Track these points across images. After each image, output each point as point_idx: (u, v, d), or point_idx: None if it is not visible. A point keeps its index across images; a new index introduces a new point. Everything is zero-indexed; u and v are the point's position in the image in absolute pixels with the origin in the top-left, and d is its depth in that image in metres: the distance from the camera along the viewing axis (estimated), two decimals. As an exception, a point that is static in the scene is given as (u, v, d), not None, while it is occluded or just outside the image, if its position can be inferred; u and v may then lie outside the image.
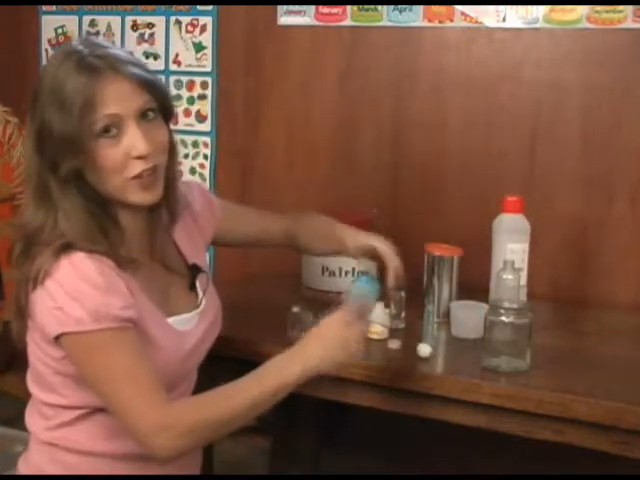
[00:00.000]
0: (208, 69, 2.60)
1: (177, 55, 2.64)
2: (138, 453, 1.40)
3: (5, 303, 2.76)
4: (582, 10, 2.15)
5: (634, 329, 2.02)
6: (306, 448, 2.44)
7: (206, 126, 2.63)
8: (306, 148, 2.50)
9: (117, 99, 1.35)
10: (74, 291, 1.32)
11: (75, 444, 1.43)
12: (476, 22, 2.26)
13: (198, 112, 2.63)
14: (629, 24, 2.11)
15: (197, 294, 1.56)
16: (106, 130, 1.35)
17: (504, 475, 2.24)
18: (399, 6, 2.32)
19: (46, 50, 2.80)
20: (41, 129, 1.36)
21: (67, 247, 1.34)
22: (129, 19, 2.69)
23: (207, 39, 2.59)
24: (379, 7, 2.35)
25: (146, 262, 1.46)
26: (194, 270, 1.56)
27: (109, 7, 2.71)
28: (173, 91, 2.62)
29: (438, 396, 1.63)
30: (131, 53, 1.46)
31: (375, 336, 1.79)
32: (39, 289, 1.35)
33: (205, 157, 2.64)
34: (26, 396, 1.53)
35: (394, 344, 1.76)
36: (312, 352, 1.43)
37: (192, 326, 1.51)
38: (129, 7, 2.68)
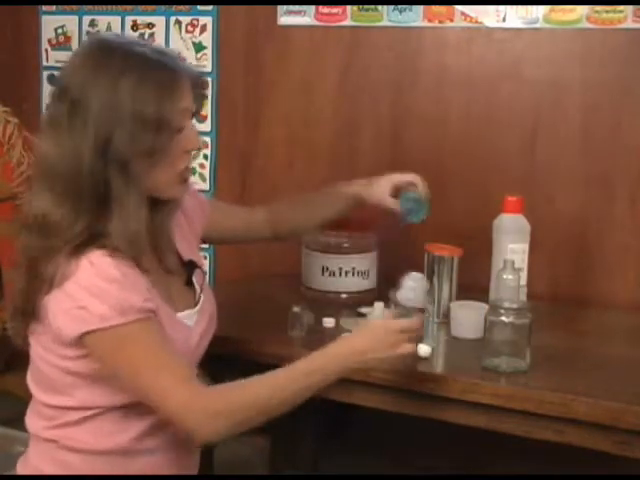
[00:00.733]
0: (208, 69, 2.60)
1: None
2: (140, 448, 1.42)
3: (5, 303, 2.76)
4: (582, 10, 2.15)
5: (634, 329, 2.02)
6: (306, 448, 2.44)
7: (206, 126, 2.62)
8: (306, 148, 2.50)
9: (187, 95, 1.42)
10: (95, 289, 1.32)
11: (79, 443, 1.43)
12: (476, 22, 2.26)
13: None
14: (629, 24, 2.11)
15: (194, 290, 1.56)
16: (179, 124, 1.40)
17: (504, 475, 2.24)
18: (399, 6, 2.32)
19: (46, 50, 2.80)
20: (108, 124, 1.33)
21: (85, 245, 1.34)
22: (129, 19, 2.69)
23: (207, 39, 2.59)
24: (379, 7, 2.35)
25: (152, 260, 1.47)
26: (190, 267, 1.57)
27: (109, 7, 2.71)
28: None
29: (438, 396, 1.63)
30: None
31: (375, 336, 1.79)
32: (55, 291, 1.34)
33: (205, 157, 2.64)
34: (27, 396, 1.53)
35: (394, 344, 1.75)
36: (361, 345, 1.48)
37: (194, 322, 1.52)
38: (129, 7, 2.68)
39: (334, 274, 2.10)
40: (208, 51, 2.59)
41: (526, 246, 1.94)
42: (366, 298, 2.03)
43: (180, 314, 1.49)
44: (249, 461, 2.53)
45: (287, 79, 2.50)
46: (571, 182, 2.22)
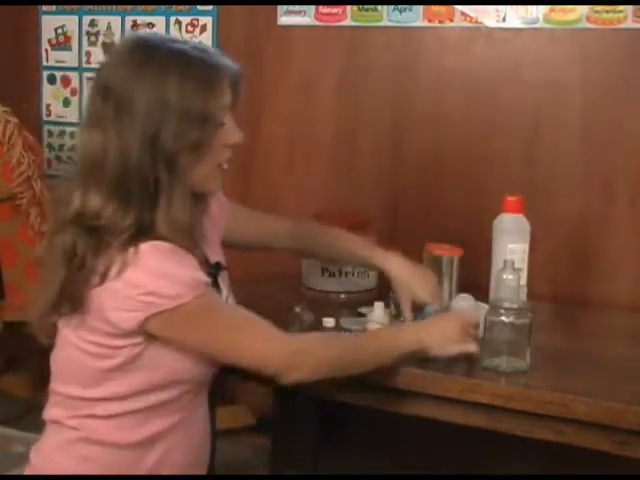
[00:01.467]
0: (208, 69, 2.60)
1: (177, 55, 2.64)
2: (158, 441, 1.45)
3: (6, 303, 2.76)
4: (582, 10, 2.15)
5: (634, 329, 2.03)
6: (306, 448, 2.44)
7: (206, 126, 2.62)
8: (306, 148, 2.50)
9: (228, 91, 1.46)
10: (160, 272, 1.36)
11: (100, 435, 1.44)
12: (476, 22, 2.26)
13: (198, 112, 2.63)
14: (629, 24, 2.11)
15: (220, 292, 1.57)
16: (222, 119, 1.43)
17: (504, 475, 2.24)
18: (399, 6, 2.32)
19: (46, 50, 2.80)
20: (155, 122, 1.36)
21: (136, 238, 1.36)
22: (129, 19, 2.70)
23: (207, 39, 2.59)
24: (379, 7, 2.35)
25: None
26: (216, 268, 1.59)
27: (109, 7, 2.71)
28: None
29: (438, 396, 1.63)
30: None
31: (375, 336, 1.79)
32: (112, 283, 1.36)
33: (205, 157, 2.64)
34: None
35: (394, 344, 1.75)
36: (430, 330, 1.60)
37: None
38: (129, 7, 2.68)
39: (334, 274, 2.10)
40: (208, 51, 2.59)
41: (526, 246, 1.93)
42: (366, 298, 2.02)
43: None
44: (249, 461, 2.53)
45: (287, 79, 2.50)
46: (571, 182, 2.22)
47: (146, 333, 1.39)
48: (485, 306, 1.71)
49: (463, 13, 2.27)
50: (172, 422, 1.47)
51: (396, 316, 1.88)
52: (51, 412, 1.50)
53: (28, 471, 1.50)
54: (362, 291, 2.11)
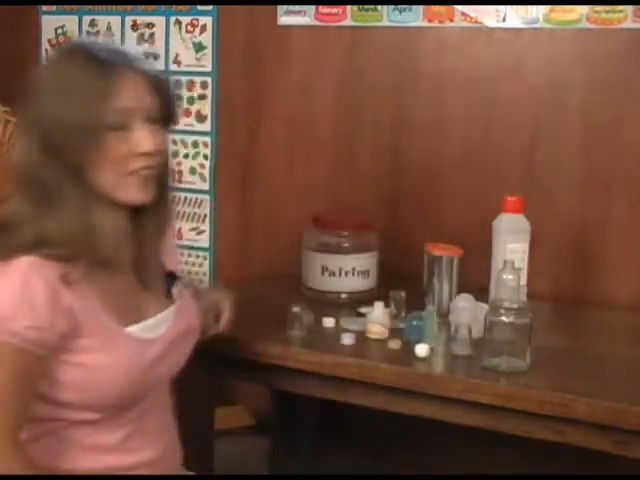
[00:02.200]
0: (208, 69, 2.60)
1: (177, 55, 2.64)
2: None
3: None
4: (582, 10, 2.15)
5: (634, 329, 2.03)
6: (306, 448, 2.44)
7: (206, 126, 2.63)
8: (306, 148, 2.50)
9: (131, 94, 1.37)
10: None
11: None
12: (476, 22, 2.26)
13: (198, 112, 2.63)
14: (629, 24, 2.11)
15: (171, 301, 1.52)
16: (116, 123, 1.35)
17: (504, 475, 2.24)
18: (399, 6, 2.32)
19: (46, 50, 2.80)
20: (47, 123, 1.34)
21: (23, 250, 1.31)
22: (129, 19, 2.69)
23: (207, 39, 2.59)
24: (379, 7, 2.35)
25: (117, 267, 1.42)
26: (171, 277, 1.54)
27: (109, 7, 2.71)
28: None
29: (438, 396, 1.63)
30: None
31: (375, 336, 1.80)
32: None
33: (205, 157, 2.64)
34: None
35: (394, 344, 1.76)
36: None
37: (159, 334, 1.47)
38: (129, 7, 2.68)
39: (334, 274, 2.10)
40: (208, 51, 2.59)
41: (526, 246, 1.94)
42: (366, 298, 2.03)
43: (137, 325, 1.43)
44: (249, 461, 2.53)
45: (287, 79, 2.50)
46: (571, 182, 2.22)
47: None
48: (485, 306, 1.71)
49: (463, 13, 2.27)
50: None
51: (396, 316, 1.89)
52: None
53: None
54: (362, 291, 2.11)
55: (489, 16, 2.24)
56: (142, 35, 2.68)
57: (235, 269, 2.61)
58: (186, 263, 2.69)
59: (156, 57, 2.66)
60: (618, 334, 1.97)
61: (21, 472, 1.30)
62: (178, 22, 2.62)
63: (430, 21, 2.30)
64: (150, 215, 1.47)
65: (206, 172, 2.64)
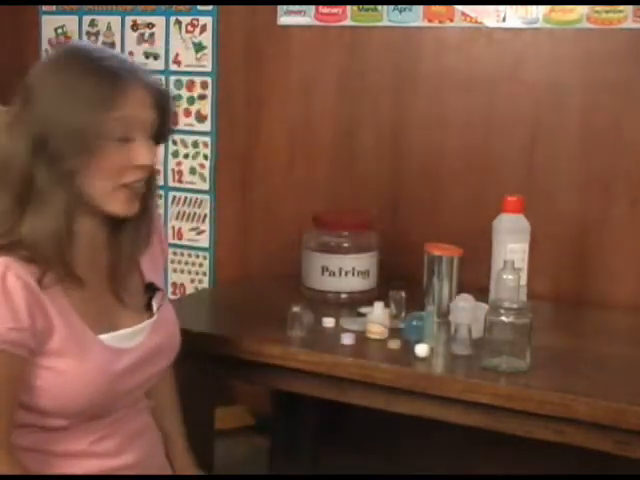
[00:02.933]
0: (208, 69, 2.60)
1: (177, 55, 2.64)
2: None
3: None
4: (582, 10, 2.15)
5: (634, 329, 2.03)
6: (306, 448, 2.44)
7: (206, 126, 2.63)
8: (306, 148, 2.50)
9: (136, 106, 1.36)
10: None
11: None
12: (476, 22, 2.26)
13: (198, 112, 2.63)
14: (629, 24, 2.11)
15: (152, 313, 1.51)
16: (117, 134, 1.34)
17: (504, 475, 2.24)
18: (399, 6, 2.32)
19: (46, 50, 2.80)
20: (45, 125, 1.32)
21: (5, 250, 1.30)
22: (129, 19, 2.69)
23: (207, 39, 2.59)
24: (379, 7, 2.35)
25: (92, 276, 1.41)
26: (150, 289, 1.52)
27: (109, 7, 2.71)
28: (173, 91, 2.62)
29: (438, 396, 1.63)
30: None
31: (375, 336, 1.80)
32: None
33: (205, 157, 2.64)
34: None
35: (394, 344, 1.76)
36: None
37: (134, 344, 1.45)
38: (129, 7, 2.68)
39: (334, 274, 2.10)
40: (208, 51, 2.59)
41: (526, 246, 1.94)
42: (366, 298, 2.03)
43: (111, 334, 1.41)
44: (249, 461, 2.53)
45: (287, 79, 2.50)
46: (571, 182, 2.22)
47: None
48: (485, 306, 1.71)
49: (463, 13, 2.27)
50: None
51: (396, 316, 1.89)
52: None
53: None
54: (362, 291, 2.11)
55: (489, 16, 2.24)
56: (142, 35, 2.68)
57: (235, 269, 2.61)
58: (186, 263, 2.70)
59: (156, 57, 2.66)
60: (618, 334, 1.97)
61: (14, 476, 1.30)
62: (178, 22, 2.62)
63: (430, 21, 2.30)
64: (130, 228, 1.46)
65: (206, 172, 2.64)
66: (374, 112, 2.40)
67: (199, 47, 2.60)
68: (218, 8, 2.56)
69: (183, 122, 2.63)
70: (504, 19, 2.23)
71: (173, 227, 2.70)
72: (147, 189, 1.44)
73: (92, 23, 2.75)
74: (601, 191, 2.19)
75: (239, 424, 2.56)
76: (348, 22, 2.39)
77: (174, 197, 2.69)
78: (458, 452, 2.33)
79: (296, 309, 1.81)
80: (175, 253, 2.69)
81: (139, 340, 1.46)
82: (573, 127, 2.20)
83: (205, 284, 2.67)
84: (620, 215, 2.17)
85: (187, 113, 2.63)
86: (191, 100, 2.63)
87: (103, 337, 1.40)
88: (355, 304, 2.02)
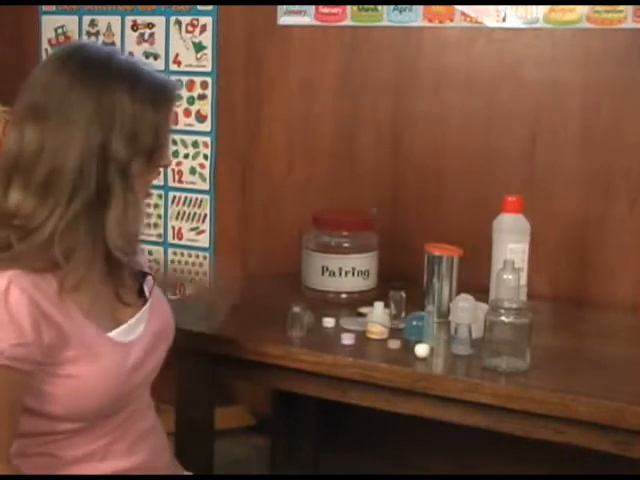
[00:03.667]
0: (208, 69, 2.60)
1: (177, 55, 2.64)
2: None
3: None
4: (582, 10, 2.15)
5: (634, 329, 2.03)
6: (306, 448, 2.44)
7: (206, 126, 2.62)
8: (306, 148, 2.50)
9: (171, 107, 1.44)
10: None
11: None
12: (476, 22, 2.26)
13: (198, 112, 2.63)
14: (629, 24, 2.11)
15: (145, 300, 1.51)
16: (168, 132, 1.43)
17: (504, 475, 2.24)
18: (399, 6, 2.32)
19: (46, 50, 2.80)
20: (133, 124, 1.34)
21: (11, 262, 1.29)
22: (129, 19, 2.69)
23: (207, 39, 2.59)
24: (379, 7, 2.35)
25: (93, 275, 1.40)
26: (140, 276, 1.52)
27: (109, 7, 2.71)
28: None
29: (438, 396, 1.63)
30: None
31: (375, 336, 1.80)
32: None
33: (205, 157, 2.64)
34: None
35: (394, 344, 1.76)
36: None
37: (137, 335, 1.45)
38: (129, 7, 2.68)
39: (334, 274, 2.10)
40: (208, 51, 2.59)
41: (526, 246, 1.94)
42: (366, 298, 2.03)
43: (117, 330, 1.42)
44: (249, 461, 2.53)
45: (287, 79, 2.50)
46: (571, 182, 2.22)
47: None
48: (485, 306, 1.71)
49: (463, 13, 2.27)
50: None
51: (396, 316, 1.89)
52: None
53: None
54: (362, 291, 2.11)
55: (489, 16, 2.24)
56: (142, 35, 2.68)
57: (235, 269, 2.61)
58: (186, 263, 2.70)
59: (156, 57, 2.66)
60: (618, 334, 1.97)
61: None
62: (178, 22, 2.62)
63: (430, 21, 2.30)
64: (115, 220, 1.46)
65: (206, 172, 2.64)
66: (374, 112, 2.40)
67: (199, 47, 2.60)
68: (218, 8, 2.56)
69: (183, 122, 2.63)
70: (504, 19, 2.23)
71: (173, 227, 2.70)
72: None
73: (92, 23, 2.74)
74: (601, 191, 2.19)
75: (239, 424, 2.56)
76: (348, 22, 2.39)
77: (174, 197, 2.69)
78: (458, 452, 2.33)
79: (296, 309, 1.81)
80: (175, 253, 2.69)
81: (141, 329, 1.47)
82: (573, 127, 2.20)
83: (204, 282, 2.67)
84: (620, 215, 2.17)
85: (187, 113, 2.63)
86: (191, 100, 2.63)
87: (111, 334, 1.41)
88: (355, 304, 2.01)
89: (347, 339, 1.78)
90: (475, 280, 1.91)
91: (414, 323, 1.77)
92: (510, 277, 1.71)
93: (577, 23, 2.16)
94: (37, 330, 1.29)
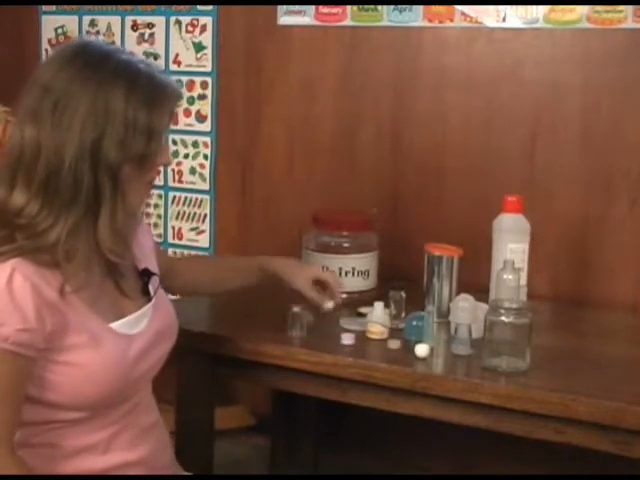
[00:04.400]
0: (208, 69, 2.60)
1: (177, 55, 2.64)
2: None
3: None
4: (582, 10, 2.15)
5: (634, 329, 2.03)
6: (306, 448, 2.44)
7: (206, 126, 2.63)
8: (306, 148, 2.50)
9: (169, 107, 1.43)
10: None
11: None
12: (476, 22, 2.26)
13: (198, 112, 2.63)
14: (629, 24, 2.11)
15: (149, 298, 1.52)
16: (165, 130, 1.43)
17: (504, 475, 2.24)
18: (399, 6, 2.32)
19: (46, 50, 2.80)
20: (125, 128, 1.33)
21: (19, 253, 1.30)
22: (129, 19, 2.69)
23: (207, 39, 2.59)
24: (379, 7, 2.35)
25: (95, 268, 1.42)
26: (145, 274, 1.54)
27: (109, 7, 2.71)
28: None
29: (438, 396, 1.63)
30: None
31: (375, 336, 1.80)
32: None
33: (205, 157, 2.64)
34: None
35: (394, 344, 1.76)
36: None
37: (140, 329, 1.47)
38: (129, 7, 2.68)
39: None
40: (208, 51, 2.59)
41: (526, 246, 1.94)
42: (366, 298, 2.03)
43: (120, 321, 1.43)
44: (249, 461, 2.53)
45: (287, 79, 2.50)
46: (571, 182, 2.22)
47: None
48: (485, 306, 1.71)
49: (463, 13, 2.27)
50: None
51: (396, 316, 1.89)
52: None
53: None
54: (362, 291, 2.11)
55: (489, 16, 2.24)
56: (142, 35, 2.68)
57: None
58: (186, 263, 2.69)
59: (156, 57, 2.66)
60: (618, 334, 1.97)
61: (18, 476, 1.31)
62: (178, 22, 2.62)
63: (430, 21, 2.30)
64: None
65: (206, 172, 2.64)
66: (374, 112, 2.40)
67: (199, 47, 2.60)
68: (218, 8, 2.56)
69: (183, 122, 2.63)
70: (504, 19, 2.23)
71: (173, 227, 2.70)
72: None
73: (92, 23, 2.75)
74: (601, 191, 2.19)
75: (239, 424, 2.56)
76: (348, 22, 2.39)
77: (174, 197, 2.69)
78: (458, 452, 2.33)
79: (296, 309, 1.81)
80: (175, 253, 2.69)
81: (144, 324, 1.48)
82: (573, 127, 2.20)
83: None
84: (620, 215, 2.17)
85: (187, 113, 2.63)
86: (191, 100, 2.63)
87: (113, 325, 1.42)
88: (355, 304, 2.01)
89: (347, 339, 1.78)
90: (475, 280, 1.91)
91: (414, 323, 1.77)
92: (510, 277, 1.71)
93: (577, 23, 2.16)
94: (40, 317, 1.30)
